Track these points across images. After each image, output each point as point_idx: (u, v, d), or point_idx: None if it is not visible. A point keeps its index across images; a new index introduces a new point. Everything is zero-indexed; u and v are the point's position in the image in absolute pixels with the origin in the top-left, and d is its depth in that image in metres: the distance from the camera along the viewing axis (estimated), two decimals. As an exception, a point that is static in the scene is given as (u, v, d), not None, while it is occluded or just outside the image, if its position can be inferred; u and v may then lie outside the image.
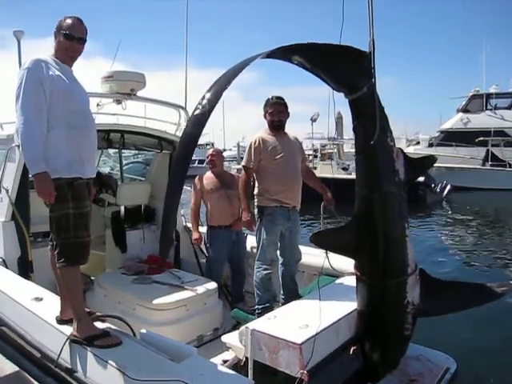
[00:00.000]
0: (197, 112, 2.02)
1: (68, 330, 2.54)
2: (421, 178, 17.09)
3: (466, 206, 17.19)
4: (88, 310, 2.72)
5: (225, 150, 53.99)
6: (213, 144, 47.21)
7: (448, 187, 17.88)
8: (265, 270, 3.75)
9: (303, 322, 2.49)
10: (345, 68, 2.48)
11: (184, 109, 4.86)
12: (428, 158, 2.89)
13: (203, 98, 2.03)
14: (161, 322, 3.39)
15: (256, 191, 3.81)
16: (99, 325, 2.65)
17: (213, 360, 3.08)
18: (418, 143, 27.11)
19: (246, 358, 2.52)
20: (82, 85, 2.76)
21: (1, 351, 3.00)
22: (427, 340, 3.57)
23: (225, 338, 2.85)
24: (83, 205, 2.57)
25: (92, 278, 4.28)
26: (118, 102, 4.41)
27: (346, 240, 2.67)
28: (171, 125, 4.92)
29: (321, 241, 2.77)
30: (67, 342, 2.46)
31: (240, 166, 16.92)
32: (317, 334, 2.35)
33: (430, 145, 25.20)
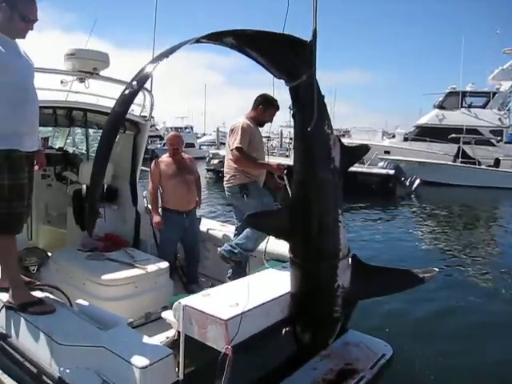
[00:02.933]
0: (126, 92, 2.09)
1: (4, 296, 2.63)
2: (391, 172, 17.56)
3: (434, 200, 17.69)
4: (28, 280, 2.80)
5: (204, 135, 53.94)
6: (192, 127, 46.92)
7: (417, 181, 18.23)
8: None
9: (234, 301, 2.57)
10: (284, 56, 2.53)
11: (149, 91, 4.90)
12: (362, 146, 2.97)
13: (133, 78, 2.10)
14: (109, 297, 3.48)
15: (231, 174, 3.97)
16: (38, 294, 2.73)
17: (158, 336, 3.21)
18: (394, 137, 27.48)
19: (179, 333, 2.60)
20: (28, 59, 2.77)
21: None
22: (371, 329, 3.76)
23: (164, 314, 2.94)
24: (19, 176, 2.62)
25: (49, 253, 4.34)
26: (81, 80, 4.44)
27: (280, 223, 2.75)
28: (136, 106, 4.96)
29: (256, 222, 2.85)
30: (2, 309, 2.55)
31: (216, 151, 17.00)
32: (243, 312, 2.43)
33: (405, 139, 25.66)
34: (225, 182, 4.04)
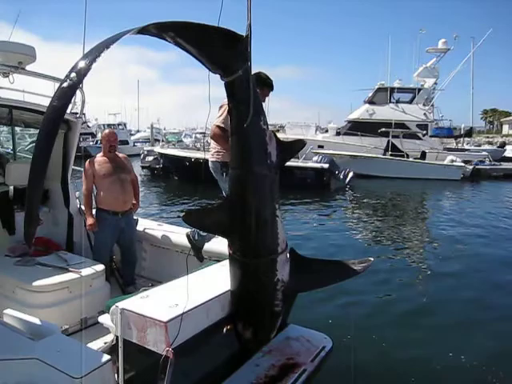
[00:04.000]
0: (64, 85, 1.97)
1: None
2: (325, 165, 18.08)
3: (367, 192, 18.51)
4: None
5: (139, 131, 52.88)
6: (125, 124, 45.82)
7: (351, 174, 18.83)
8: None
9: (173, 302, 2.52)
10: (219, 50, 2.50)
11: (80, 88, 4.69)
12: (298, 141, 3.01)
13: (71, 70, 1.98)
14: (41, 304, 3.32)
15: (217, 150, 3.81)
16: None
17: (95, 342, 3.09)
18: (327, 131, 28.32)
19: (117, 338, 2.52)
20: None
21: None
22: (310, 322, 3.82)
23: (101, 319, 2.83)
24: None
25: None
26: (5, 74, 4.17)
27: (217, 219, 2.73)
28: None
29: (192, 220, 2.81)
30: None
31: (151, 148, 16.62)
32: (184, 313, 2.39)
33: (338, 133, 26.59)
34: (209, 156, 3.89)
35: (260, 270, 2.74)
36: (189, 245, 3.89)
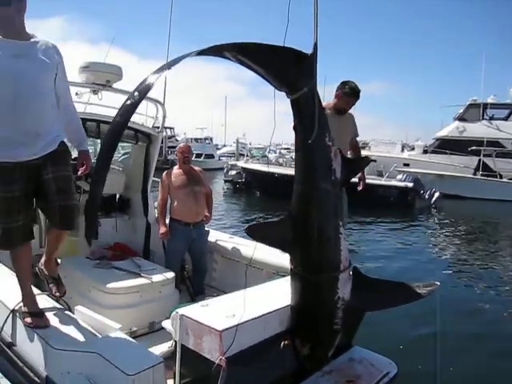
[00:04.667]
0: (127, 103, 2.12)
1: (11, 303, 2.71)
2: (410, 184, 17.39)
3: (454, 213, 17.43)
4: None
5: (225, 146, 54.30)
6: (211, 139, 47.26)
7: (437, 194, 17.94)
8: None
9: (231, 312, 2.56)
10: (285, 69, 2.54)
11: (161, 104, 4.97)
12: (363, 158, 2.97)
13: (135, 90, 2.13)
14: (113, 305, 3.52)
15: None
16: (45, 302, 2.81)
17: (160, 346, 3.23)
18: (413, 149, 27.20)
19: (176, 342, 2.61)
20: (36, 61, 2.56)
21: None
22: (375, 345, 3.69)
23: (164, 324, 2.95)
24: (6, 189, 2.56)
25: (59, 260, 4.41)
26: (95, 92, 4.55)
27: (279, 234, 2.75)
28: (148, 117, 5.04)
29: (255, 233, 2.85)
30: (9, 316, 2.64)
31: (235, 162, 17.14)
32: (239, 324, 2.42)
33: (425, 151, 25.35)
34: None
35: (320, 287, 2.72)
36: (258, 259, 3.97)
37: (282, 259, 3.90)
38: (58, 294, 2.99)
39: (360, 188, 4.53)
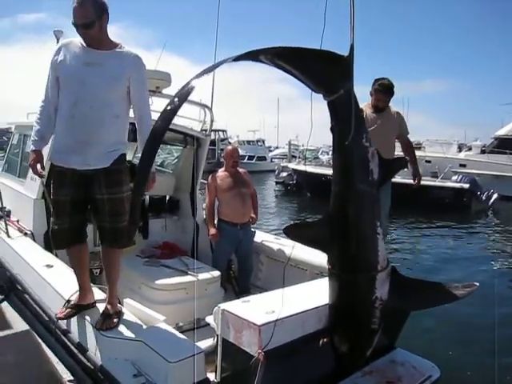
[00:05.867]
0: (168, 108, 2.24)
1: (66, 294, 2.94)
2: (466, 185, 16.74)
3: (513, 216, 16.48)
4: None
5: (277, 148, 54.37)
6: (264, 141, 47.42)
7: (495, 196, 17.18)
8: None
9: (271, 308, 2.64)
10: (321, 71, 2.60)
11: (209, 108, 5.12)
12: (401, 159, 2.98)
13: (175, 96, 2.25)
14: (161, 301, 3.71)
15: None
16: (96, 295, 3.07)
17: (204, 341, 3.37)
18: (470, 149, 26.13)
19: (217, 336, 2.73)
20: (105, 71, 2.64)
21: (17, 310, 3.46)
22: (421, 349, 3.66)
23: (208, 319, 3.08)
24: (59, 192, 2.71)
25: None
26: (146, 97, 4.75)
27: (318, 234, 2.80)
28: (195, 121, 5.22)
29: (294, 233, 2.90)
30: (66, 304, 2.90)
31: (286, 164, 17.20)
32: (278, 319, 2.50)
33: (483, 151, 24.21)
34: None
35: (357, 286, 2.74)
36: (302, 259, 4.07)
37: (326, 260, 3.95)
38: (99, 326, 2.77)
39: (415, 184, 4.54)
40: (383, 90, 4.27)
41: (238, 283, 4.79)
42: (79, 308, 2.90)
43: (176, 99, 2.23)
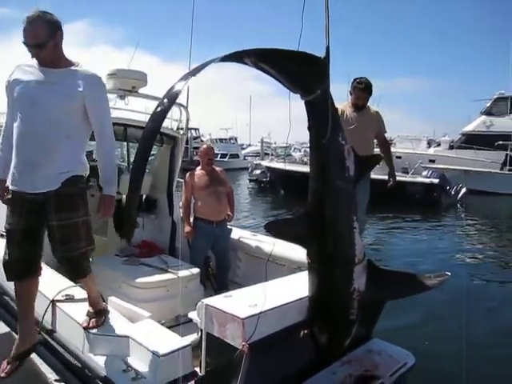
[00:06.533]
0: (157, 110, 2.30)
1: (51, 294, 2.96)
2: (435, 180, 17.21)
3: (481, 210, 17.29)
4: None
5: (250, 145, 54.49)
6: (236, 138, 47.41)
7: (463, 190, 17.79)
8: None
9: (253, 302, 2.72)
10: (298, 73, 2.69)
11: (185, 107, 5.17)
12: (375, 156, 3.09)
13: (164, 96, 2.30)
14: (142, 299, 3.74)
15: None
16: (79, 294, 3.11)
17: (186, 337, 3.42)
18: (439, 145, 26.81)
19: (201, 331, 2.79)
20: (58, 89, 2.53)
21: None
22: (398, 340, 3.80)
23: (190, 314, 3.13)
24: (10, 220, 2.58)
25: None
26: (121, 97, 4.78)
27: (297, 230, 2.89)
28: (172, 121, 5.25)
29: (274, 230, 3.00)
30: (49, 305, 2.90)
31: (259, 161, 17.23)
32: (261, 312, 2.58)
33: (451, 147, 24.93)
34: None
35: (335, 279, 2.85)
36: (279, 255, 4.15)
37: (304, 255, 4.06)
38: (85, 325, 2.76)
39: (390, 184, 4.69)
40: (362, 88, 4.43)
41: (217, 280, 4.85)
42: (22, 356, 2.74)
43: (165, 100, 2.29)
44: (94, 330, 2.61)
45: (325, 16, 2.69)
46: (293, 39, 2.69)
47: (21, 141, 2.49)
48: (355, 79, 4.57)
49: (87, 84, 2.57)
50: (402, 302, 4.05)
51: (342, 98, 4.34)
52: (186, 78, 2.36)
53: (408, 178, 17.49)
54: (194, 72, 2.40)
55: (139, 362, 2.49)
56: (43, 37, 2.44)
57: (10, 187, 2.56)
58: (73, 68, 2.59)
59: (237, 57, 2.56)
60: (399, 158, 21.69)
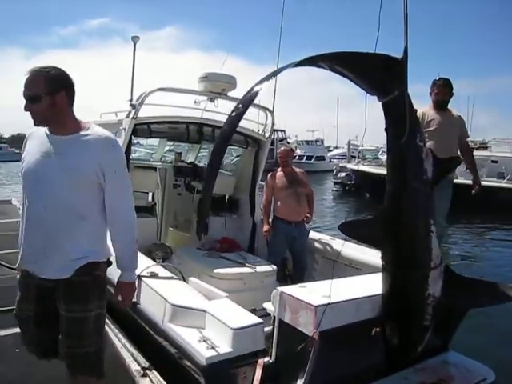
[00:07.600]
0: (233, 114, 2.44)
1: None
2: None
3: None
4: None
5: (337, 148, 53.73)
6: (322, 141, 47.04)
7: None
8: None
9: (327, 293, 2.74)
10: (376, 74, 2.70)
11: (271, 111, 5.30)
12: (455, 158, 3.02)
13: (239, 102, 2.43)
14: (219, 289, 3.89)
15: None
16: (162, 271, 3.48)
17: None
18: None
19: (274, 318, 2.90)
20: (66, 162, 2.11)
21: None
22: (473, 351, 3.66)
23: (265, 304, 3.22)
24: (21, 307, 2.31)
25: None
26: (211, 100, 5.03)
27: (371, 231, 2.89)
28: (258, 125, 5.43)
29: (348, 230, 3.00)
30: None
31: (344, 164, 17.00)
32: (333, 303, 2.65)
33: None
34: None
35: (410, 283, 2.80)
36: (356, 258, 4.21)
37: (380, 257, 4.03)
38: None
39: (474, 191, 4.54)
40: (442, 84, 4.35)
41: (293, 280, 4.91)
42: None
43: (240, 106, 2.42)
44: (175, 301, 2.89)
45: (403, 15, 2.69)
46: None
47: (26, 224, 2.20)
48: (434, 79, 4.52)
49: (99, 152, 2.15)
50: (489, 318, 3.84)
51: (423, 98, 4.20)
52: (262, 82, 2.45)
53: (503, 184, 16.40)
54: (269, 77, 2.51)
55: (214, 334, 2.69)
56: (38, 90, 2.08)
57: (21, 266, 2.28)
58: (82, 133, 2.17)
59: (312, 61, 2.63)
60: (495, 162, 20.32)
